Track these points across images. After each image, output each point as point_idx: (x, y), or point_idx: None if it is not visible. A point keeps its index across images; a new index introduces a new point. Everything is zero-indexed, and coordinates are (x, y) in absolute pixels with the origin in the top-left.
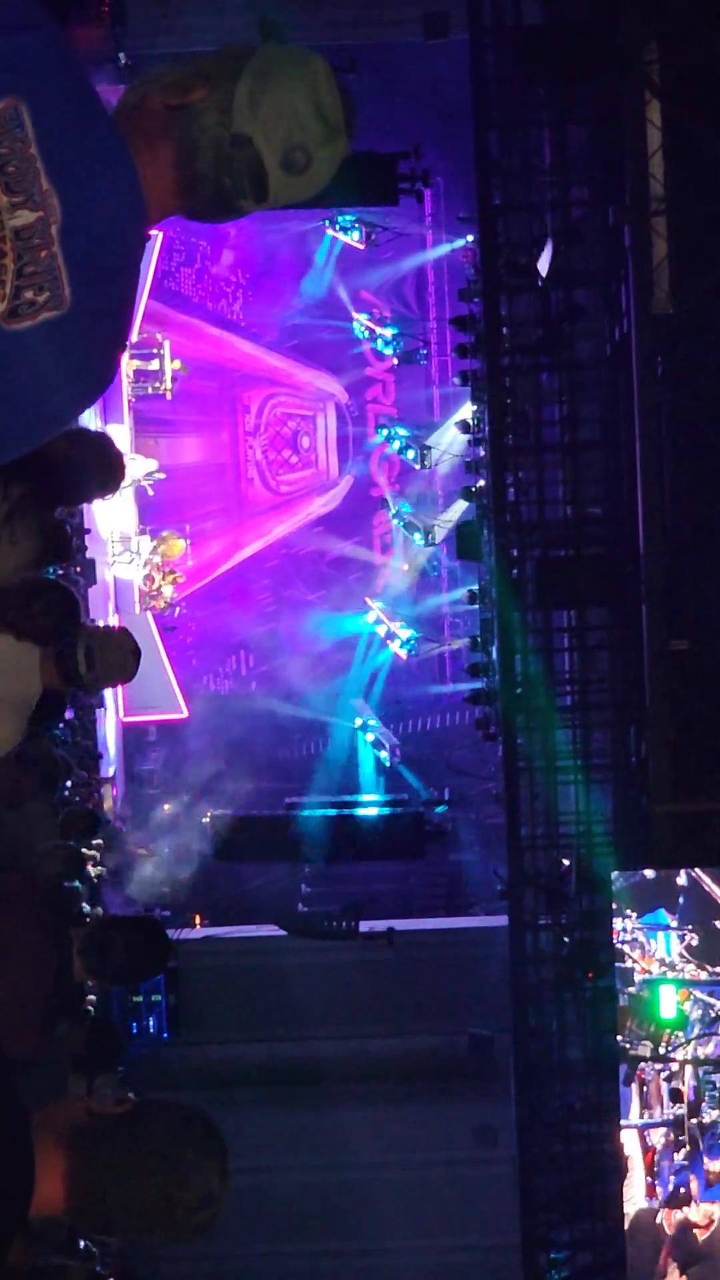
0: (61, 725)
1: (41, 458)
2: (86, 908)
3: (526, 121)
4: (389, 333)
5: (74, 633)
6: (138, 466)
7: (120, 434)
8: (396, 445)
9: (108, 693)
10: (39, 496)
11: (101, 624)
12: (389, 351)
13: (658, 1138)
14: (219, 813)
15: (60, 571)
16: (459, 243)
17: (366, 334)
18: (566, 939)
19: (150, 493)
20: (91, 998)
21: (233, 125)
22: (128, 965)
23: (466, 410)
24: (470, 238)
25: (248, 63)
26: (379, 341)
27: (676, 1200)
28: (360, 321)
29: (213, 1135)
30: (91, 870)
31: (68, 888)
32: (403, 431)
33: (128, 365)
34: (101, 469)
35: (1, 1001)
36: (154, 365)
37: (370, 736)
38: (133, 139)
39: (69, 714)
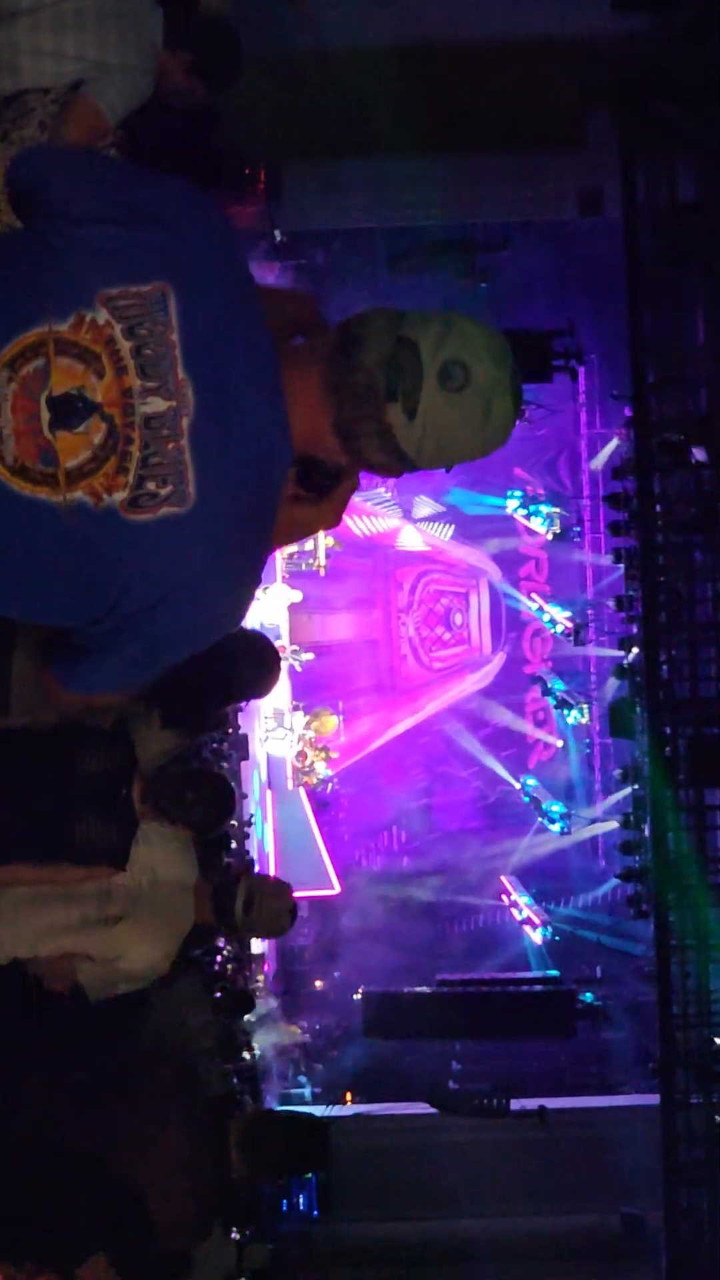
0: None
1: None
2: (236, 1081)
3: (680, 298)
4: (544, 510)
5: (240, 874)
6: (282, 601)
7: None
8: (548, 620)
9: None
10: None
11: (270, 876)
12: (543, 528)
13: None
14: (370, 989)
15: (214, 746)
16: (611, 446)
17: (520, 511)
18: (718, 1118)
19: (299, 669)
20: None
21: (401, 328)
22: (283, 1162)
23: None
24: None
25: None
26: (532, 518)
27: None
28: (514, 498)
29: None
30: (245, 1054)
31: (221, 1073)
32: (556, 609)
33: None
34: (256, 673)
35: (158, 1195)
36: (308, 544)
37: (521, 913)
38: (290, 355)
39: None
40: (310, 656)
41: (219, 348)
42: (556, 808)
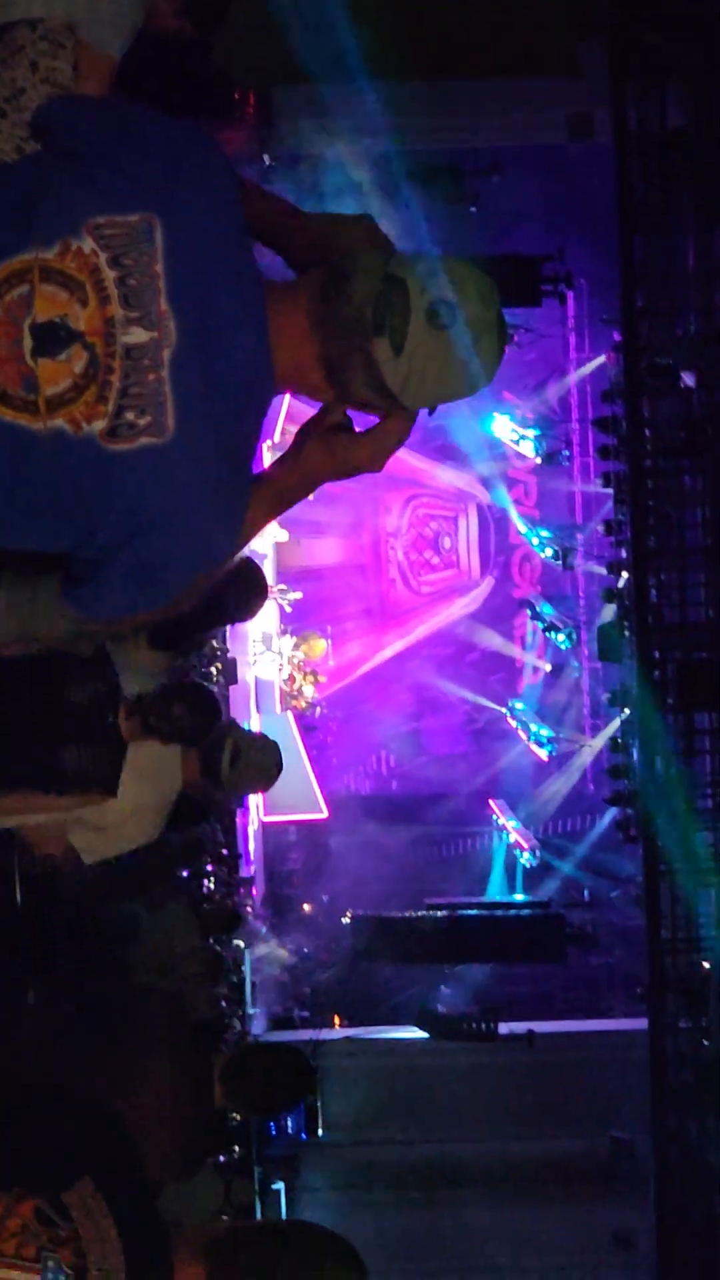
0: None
1: None
2: (225, 1005)
3: (670, 224)
4: (532, 434)
5: (224, 730)
6: (269, 538)
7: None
8: (537, 544)
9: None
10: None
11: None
12: (531, 452)
13: None
14: (359, 913)
15: (202, 670)
16: (599, 360)
17: (509, 435)
18: (706, 1042)
19: (288, 610)
20: None
21: (389, 266)
22: (265, 1097)
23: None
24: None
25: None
26: (521, 442)
27: None
28: (502, 422)
29: (351, 1251)
30: (234, 977)
31: (210, 998)
32: (545, 533)
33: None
34: (243, 596)
35: (142, 1126)
36: None
37: (510, 837)
38: (277, 290)
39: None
40: (298, 595)
41: (203, 280)
42: (545, 732)
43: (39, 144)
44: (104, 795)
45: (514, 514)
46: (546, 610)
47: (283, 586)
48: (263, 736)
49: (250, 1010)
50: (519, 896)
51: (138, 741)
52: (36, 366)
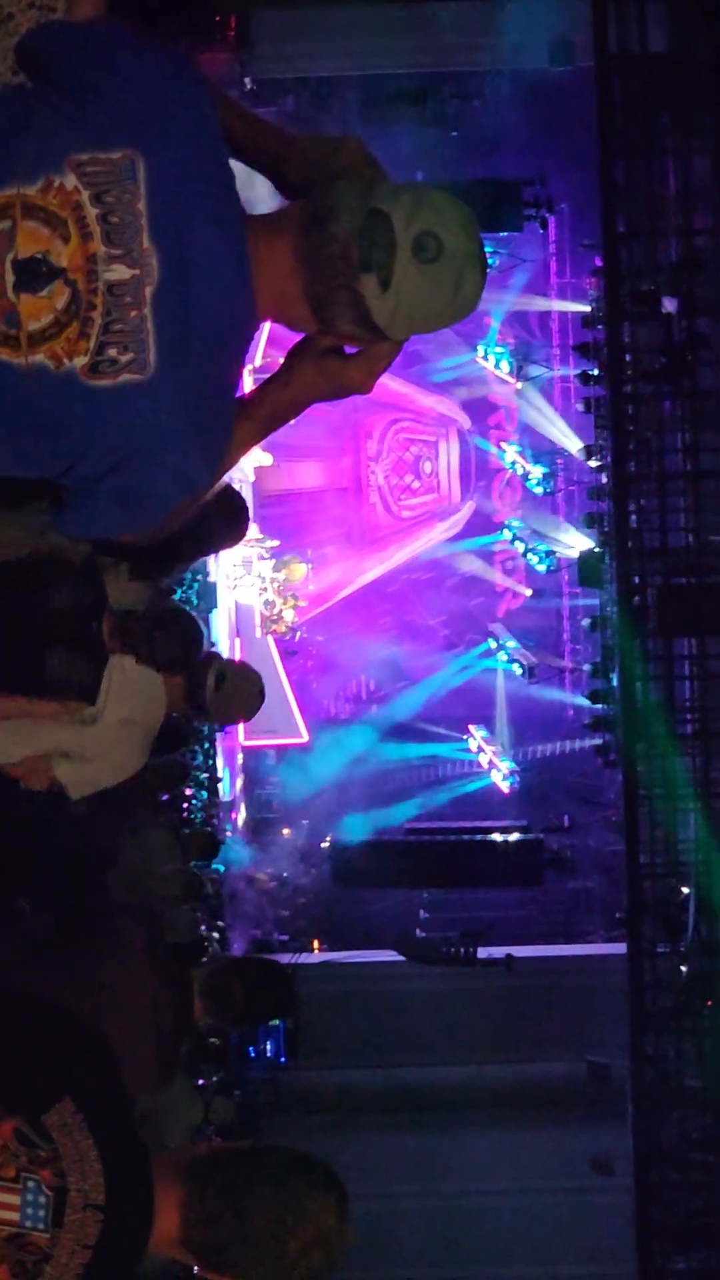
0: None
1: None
2: (204, 928)
3: (651, 149)
4: (513, 359)
5: (210, 657)
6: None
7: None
8: (520, 471)
9: None
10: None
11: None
12: (512, 377)
13: None
14: (338, 837)
15: (181, 595)
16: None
17: (489, 360)
18: (684, 967)
19: (266, 555)
20: None
21: (372, 199)
22: (246, 1009)
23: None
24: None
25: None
26: (500, 362)
27: None
28: (483, 347)
29: (331, 1174)
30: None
31: (190, 920)
32: (524, 455)
33: (252, 388)
34: (225, 524)
35: (122, 1042)
36: None
37: (489, 761)
38: (261, 224)
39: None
40: (276, 543)
41: (186, 218)
42: (524, 656)
43: (26, 73)
44: (83, 703)
45: (491, 447)
46: (525, 532)
47: (260, 536)
48: (247, 665)
49: (229, 933)
50: (500, 822)
51: (119, 657)
52: (18, 302)
